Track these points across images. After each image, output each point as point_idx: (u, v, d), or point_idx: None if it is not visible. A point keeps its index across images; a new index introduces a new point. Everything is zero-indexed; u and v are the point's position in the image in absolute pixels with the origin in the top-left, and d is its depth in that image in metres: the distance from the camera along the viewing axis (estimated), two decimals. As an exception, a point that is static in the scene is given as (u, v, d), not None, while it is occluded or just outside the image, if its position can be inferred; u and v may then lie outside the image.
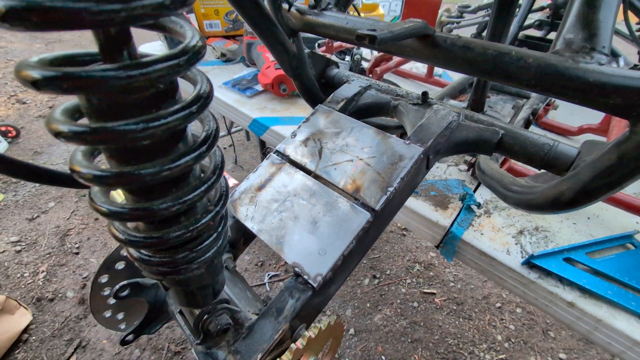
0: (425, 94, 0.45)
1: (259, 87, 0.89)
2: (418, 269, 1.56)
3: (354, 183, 0.37)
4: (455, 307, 1.41)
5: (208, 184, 0.20)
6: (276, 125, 0.75)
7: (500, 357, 1.25)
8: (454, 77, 1.05)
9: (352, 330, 1.31)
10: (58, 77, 0.13)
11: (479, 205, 0.57)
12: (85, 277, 1.41)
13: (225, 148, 2.41)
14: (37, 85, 0.13)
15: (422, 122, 0.41)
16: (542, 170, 0.39)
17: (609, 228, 0.55)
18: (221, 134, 2.21)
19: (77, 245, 1.55)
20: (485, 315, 1.38)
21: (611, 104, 0.24)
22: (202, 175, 0.21)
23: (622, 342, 0.43)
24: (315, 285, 0.32)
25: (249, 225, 0.38)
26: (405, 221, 0.60)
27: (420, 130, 0.40)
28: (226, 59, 1.06)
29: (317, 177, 0.39)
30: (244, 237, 0.40)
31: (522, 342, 1.30)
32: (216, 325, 0.29)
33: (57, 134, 0.15)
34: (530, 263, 0.48)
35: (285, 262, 1.57)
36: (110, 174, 0.16)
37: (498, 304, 1.42)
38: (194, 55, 0.15)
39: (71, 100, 0.16)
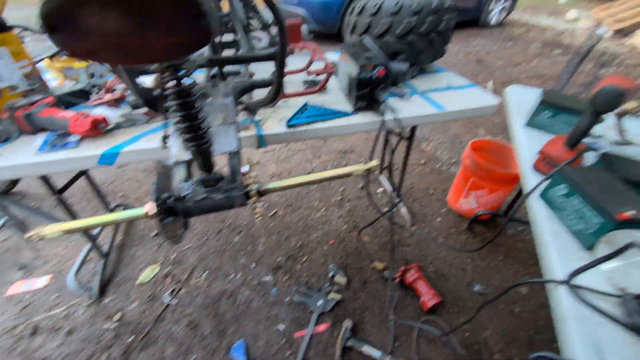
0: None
1: (76, 138, 1.10)
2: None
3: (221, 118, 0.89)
4: (290, 208, 2.17)
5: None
6: (124, 148, 1.05)
7: (322, 210, 2.16)
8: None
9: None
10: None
11: (258, 122, 1.23)
12: None
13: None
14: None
15: (225, 90, 0.97)
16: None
17: (300, 104, 1.36)
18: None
19: None
20: (304, 200, 2.24)
21: (266, 58, 0.90)
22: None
23: (322, 130, 1.23)
24: (237, 150, 0.84)
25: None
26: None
27: (223, 93, 0.96)
28: (3, 139, 1.09)
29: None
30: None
31: (325, 197, 2.26)
32: (220, 175, 0.75)
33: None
34: (289, 125, 1.19)
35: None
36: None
37: (305, 191, 2.32)
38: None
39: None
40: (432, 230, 2.02)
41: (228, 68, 1.27)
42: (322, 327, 1.52)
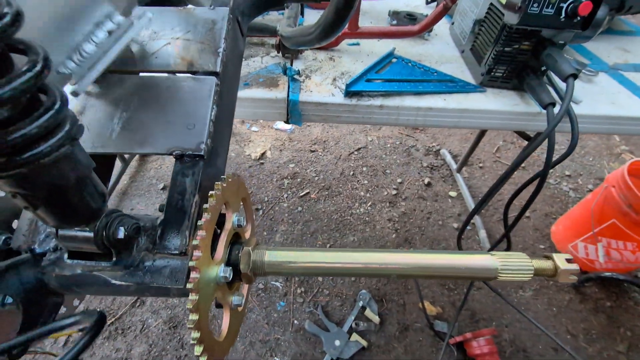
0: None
1: None
2: (288, 182, 1.72)
3: (183, 60, 0.36)
4: (326, 193, 1.68)
5: None
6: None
7: (368, 205, 1.63)
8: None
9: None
10: None
11: (299, 73, 0.67)
12: None
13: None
14: None
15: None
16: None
17: (379, 54, 0.76)
18: None
19: None
20: (347, 185, 1.72)
21: None
22: None
23: (413, 113, 0.65)
24: (202, 153, 0.32)
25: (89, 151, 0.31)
26: (252, 112, 0.64)
27: (218, -4, 0.40)
28: None
29: (145, 71, 0.36)
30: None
31: (375, 186, 1.72)
32: (125, 230, 0.25)
33: None
34: (348, 92, 0.62)
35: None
36: None
37: (351, 173, 1.78)
38: None
39: None
40: (517, 274, 1.41)
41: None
42: (333, 380, 1.11)
